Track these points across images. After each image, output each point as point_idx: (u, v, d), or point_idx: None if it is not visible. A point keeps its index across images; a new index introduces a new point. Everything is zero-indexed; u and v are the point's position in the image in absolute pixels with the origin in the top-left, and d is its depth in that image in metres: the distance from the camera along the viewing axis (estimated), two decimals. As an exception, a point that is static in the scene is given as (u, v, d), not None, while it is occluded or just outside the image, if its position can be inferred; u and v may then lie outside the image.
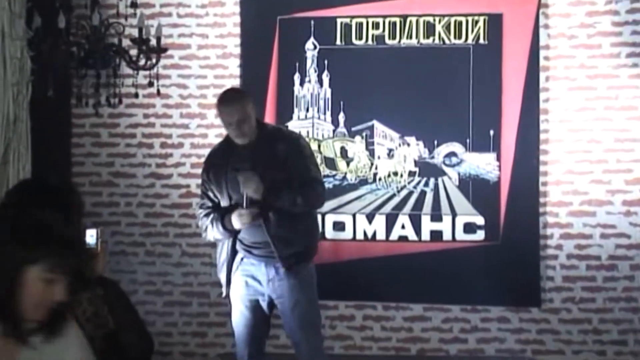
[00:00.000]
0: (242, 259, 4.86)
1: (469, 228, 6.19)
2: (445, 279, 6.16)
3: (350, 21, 6.30)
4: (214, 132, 6.39)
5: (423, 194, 6.26)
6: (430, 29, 6.23)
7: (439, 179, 6.25)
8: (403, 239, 6.25)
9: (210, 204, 4.90)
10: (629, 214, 6.15)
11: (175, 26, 6.47)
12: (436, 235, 6.23)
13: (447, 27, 6.22)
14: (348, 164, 6.35)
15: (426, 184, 6.26)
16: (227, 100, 4.79)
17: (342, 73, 6.30)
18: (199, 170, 6.34)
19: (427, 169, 6.25)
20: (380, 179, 6.32)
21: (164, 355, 6.38)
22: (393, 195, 6.30)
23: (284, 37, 6.34)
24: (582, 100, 6.18)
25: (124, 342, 2.80)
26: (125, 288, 3.67)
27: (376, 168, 6.33)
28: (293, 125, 6.27)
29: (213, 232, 4.86)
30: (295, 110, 6.36)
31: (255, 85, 6.27)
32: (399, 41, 6.27)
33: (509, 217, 6.13)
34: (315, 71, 6.33)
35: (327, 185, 5.66)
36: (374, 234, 6.29)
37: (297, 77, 6.35)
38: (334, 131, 6.34)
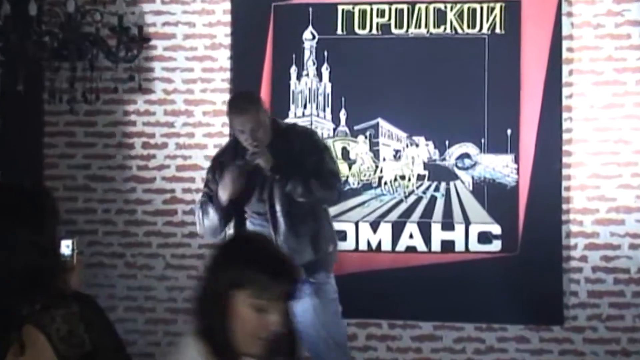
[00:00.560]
0: None
1: (484, 238, 6.18)
2: (458, 294, 6.12)
3: (353, 8, 6.28)
4: (202, 131, 6.37)
5: (433, 199, 6.25)
6: (441, 17, 6.21)
7: (451, 184, 6.23)
8: (411, 249, 6.22)
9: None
10: (661, 222, 6.16)
11: (159, 13, 6.44)
12: (447, 245, 6.21)
13: (460, 15, 6.21)
14: (350, 167, 6.32)
15: (436, 189, 6.25)
16: (239, 107, 4.88)
17: (343, 66, 6.29)
18: (185, 174, 6.29)
19: (437, 172, 6.24)
20: (385, 184, 6.30)
21: (146, 378, 6.37)
22: (400, 202, 6.28)
23: (279, 26, 6.32)
24: (609, 96, 6.15)
25: (102, 365, 2.78)
26: (103, 304, 3.64)
27: (381, 171, 6.30)
28: (289, 123, 6.25)
29: (209, 215, 4.91)
30: (292, 107, 6.34)
31: (247, 79, 6.27)
32: (407, 31, 6.26)
33: (528, 225, 6.11)
34: (314, 64, 6.32)
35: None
36: (379, 244, 6.27)
37: (293, 71, 6.33)
38: (334, 130, 6.32)
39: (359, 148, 6.30)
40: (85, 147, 6.55)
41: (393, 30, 6.27)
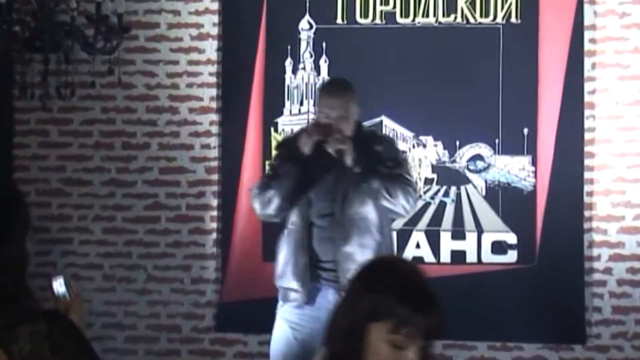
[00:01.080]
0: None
1: (498, 248, 6.20)
2: (470, 310, 6.06)
3: (354, -5, 6.27)
4: (187, 130, 6.35)
5: (442, 205, 6.26)
6: (451, 5, 6.25)
7: (462, 188, 6.26)
8: (418, 260, 6.16)
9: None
10: (692, 231, 6.13)
11: (141, 0, 6.42)
12: (458, 256, 6.23)
13: (472, 3, 6.22)
14: (351, 169, 6.29)
15: (446, 194, 6.26)
16: (333, 90, 4.87)
17: (343, 58, 6.30)
18: (169, 177, 6.32)
19: (447, 176, 6.26)
20: (390, 188, 6.27)
21: (126, 403, 6.35)
22: (406, 208, 6.27)
23: (272, 14, 6.34)
24: (635, 92, 6.17)
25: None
26: (79, 321, 3.62)
27: (385, 174, 6.28)
28: (284, 122, 6.23)
29: (269, 189, 4.78)
30: (287, 103, 6.35)
31: (237, 73, 6.28)
32: (413, 20, 6.27)
33: (547, 234, 6.15)
34: (311, 56, 6.32)
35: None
36: (383, 255, 6.24)
37: (289, 63, 6.34)
38: (333, 129, 6.29)
39: (361, 149, 6.28)
40: (59, 147, 6.54)
41: (398, 19, 6.27)
